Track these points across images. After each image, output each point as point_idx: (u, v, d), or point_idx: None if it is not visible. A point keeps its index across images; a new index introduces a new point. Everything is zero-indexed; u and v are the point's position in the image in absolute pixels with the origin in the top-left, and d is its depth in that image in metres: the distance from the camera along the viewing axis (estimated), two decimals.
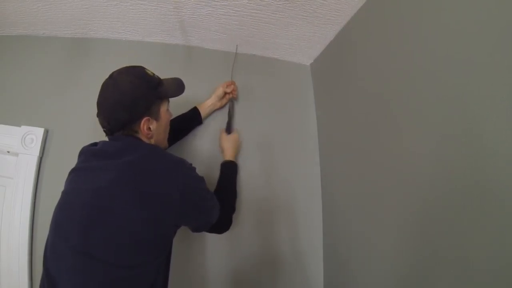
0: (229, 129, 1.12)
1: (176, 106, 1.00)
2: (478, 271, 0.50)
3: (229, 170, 0.98)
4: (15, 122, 1.05)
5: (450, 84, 0.58)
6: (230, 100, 1.14)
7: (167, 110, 0.80)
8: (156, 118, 0.74)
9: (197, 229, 0.78)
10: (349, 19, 0.99)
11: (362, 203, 0.90)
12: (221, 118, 1.15)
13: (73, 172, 0.70)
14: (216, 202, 0.78)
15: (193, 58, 1.22)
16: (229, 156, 1.02)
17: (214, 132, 1.14)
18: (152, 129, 0.73)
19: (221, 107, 1.14)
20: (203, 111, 1.08)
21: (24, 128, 1.04)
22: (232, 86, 1.12)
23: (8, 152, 1.04)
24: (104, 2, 0.97)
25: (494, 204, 0.48)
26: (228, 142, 1.05)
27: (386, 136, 0.78)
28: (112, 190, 0.61)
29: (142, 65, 0.77)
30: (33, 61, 1.13)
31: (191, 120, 1.07)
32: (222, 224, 0.82)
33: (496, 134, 0.49)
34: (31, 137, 1.03)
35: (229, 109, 1.14)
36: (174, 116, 0.92)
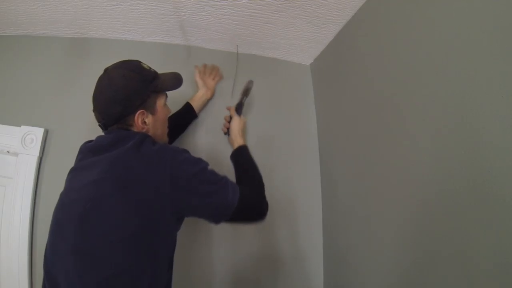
0: (240, 110, 1.04)
1: (176, 106, 1.00)
2: (478, 266, 0.51)
3: (245, 154, 0.90)
4: (15, 122, 1.04)
5: (451, 84, 0.58)
6: (249, 81, 1.05)
7: (165, 105, 0.79)
8: (152, 111, 0.73)
9: (214, 217, 0.69)
10: (349, 19, 0.99)
11: (362, 202, 0.90)
12: (217, 113, 1.16)
13: (71, 172, 0.70)
14: (228, 181, 0.70)
15: (193, 58, 1.22)
16: (241, 141, 0.94)
17: (211, 125, 1.15)
18: (148, 123, 0.71)
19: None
20: (195, 104, 1.07)
21: (24, 128, 1.04)
22: (203, 68, 1.12)
23: (8, 152, 1.04)
24: (104, 2, 0.97)
25: (494, 200, 0.48)
26: (240, 126, 0.99)
27: (386, 136, 0.78)
28: (100, 184, 0.60)
29: None
30: (33, 61, 1.12)
31: (185, 114, 1.06)
32: (252, 204, 0.72)
33: (496, 132, 0.49)
34: (31, 137, 1.03)
35: (245, 89, 1.04)
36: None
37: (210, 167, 0.70)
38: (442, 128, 0.60)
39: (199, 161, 0.69)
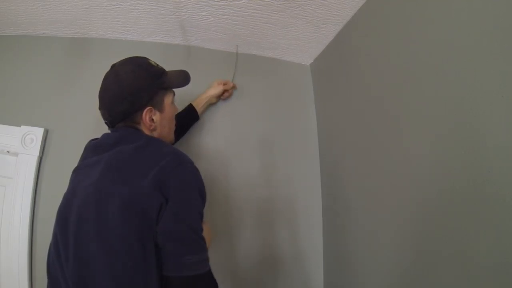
0: None
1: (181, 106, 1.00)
2: (478, 266, 0.51)
3: None
4: (15, 122, 1.04)
5: (451, 84, 0.58)
6: None
7: (172, 103, 0.78)
8: (160, 109, 0.72)
9: (167, 261, 0.57)
10: (349, 19, 0.99)
11: (362, 202, 0.90)
12: (219, 114, 1.17)
13: (74, 171, 0.70)
14: (205, 248, 0.61)
15: (193, 58, 1.22)
16: None
17: (213, 126, 1.16)
18: (156, 121, 0.71)
19: (216, 103, 1.16)
20: (198, 106, 1.07)
21: (24, 128, 1.04)
22: (230, 84, 1.13)
23: (8, 152, 1.04)
24: (104, 2, 0.97)
25: (494, 200, 0.48)
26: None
27: (386, 135, 0.78)
28: (99, 185, 0.59)
29: None
30: (33, 61, 1.12)
31: (188, 115, 1.05)
32: None
33: (496, 132, 0.49)
34: (31, 137, 1.03)
35: None
36: None
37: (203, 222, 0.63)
38: (442, 128, 0.60)
39: (196, 189, 0.63)
